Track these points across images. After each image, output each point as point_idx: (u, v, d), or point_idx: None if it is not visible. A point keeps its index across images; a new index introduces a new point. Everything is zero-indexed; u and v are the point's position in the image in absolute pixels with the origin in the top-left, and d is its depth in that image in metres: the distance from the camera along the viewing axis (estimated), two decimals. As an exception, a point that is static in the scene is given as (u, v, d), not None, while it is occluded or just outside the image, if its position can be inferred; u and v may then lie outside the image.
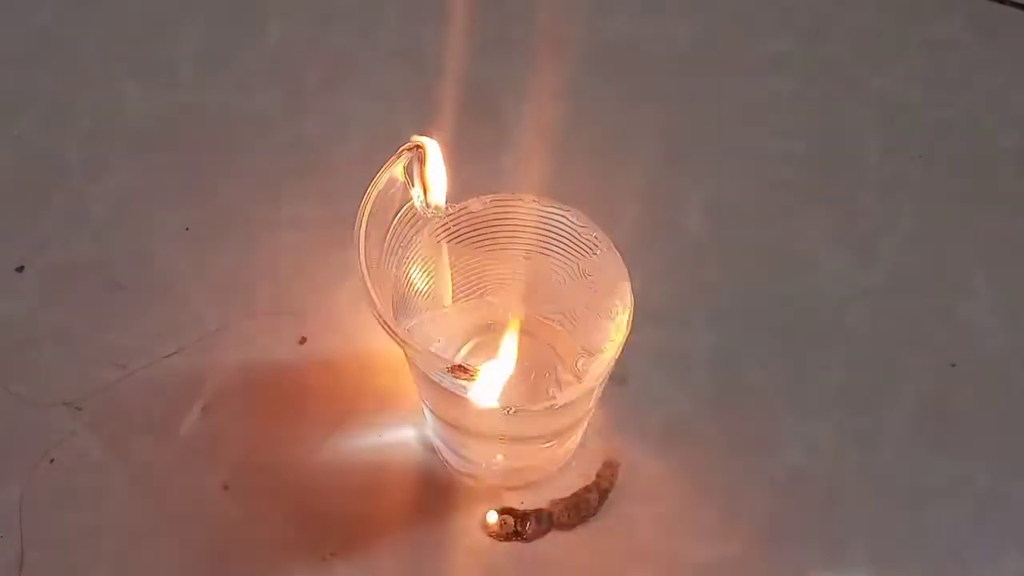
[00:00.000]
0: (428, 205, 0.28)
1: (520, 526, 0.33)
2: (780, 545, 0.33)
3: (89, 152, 0.42)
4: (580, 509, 0.33)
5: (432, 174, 0.27)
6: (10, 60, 0.45)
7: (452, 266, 0.31)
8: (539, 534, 0.33)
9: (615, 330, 0.29)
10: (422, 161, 0.27)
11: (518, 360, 0.34)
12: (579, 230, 0.30)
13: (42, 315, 0.38)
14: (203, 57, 0.45)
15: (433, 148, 0.27)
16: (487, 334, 0.34)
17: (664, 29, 0.46)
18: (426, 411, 0.33)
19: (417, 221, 0.29)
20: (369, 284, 0.25)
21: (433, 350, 0.29)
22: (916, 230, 0.40)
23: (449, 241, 0.30)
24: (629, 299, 0.29)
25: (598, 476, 0.34)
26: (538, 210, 0.30)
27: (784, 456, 0.35)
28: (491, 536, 0.33)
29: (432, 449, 0.35)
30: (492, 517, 0.33)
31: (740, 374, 0.37)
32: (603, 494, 0.34)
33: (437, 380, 0.27)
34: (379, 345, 0.36)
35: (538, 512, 0.33)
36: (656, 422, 0.35)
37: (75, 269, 0.39)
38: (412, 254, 0.29)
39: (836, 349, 0.37)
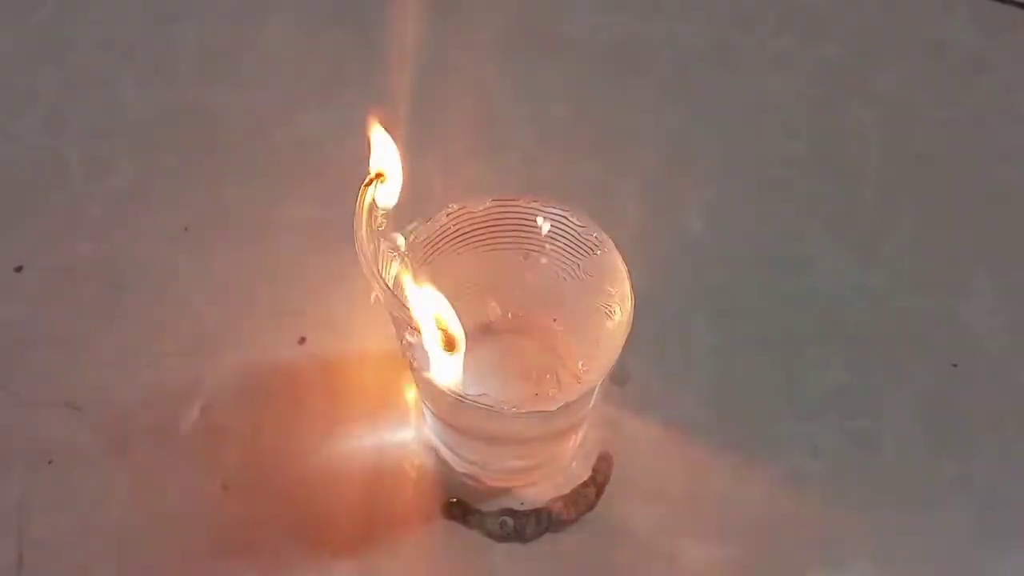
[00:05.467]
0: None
1: (519, 527, 0.33)
2: (780, 545, 0.33)
3: (89, 152, 0.42)
4: (579, 504, 0.33)
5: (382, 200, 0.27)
6: (10, 60, 0.45)
7: (453, 266, 0.31)
8: (538, 534, 0.33)
9: (615, 330, 0.29)
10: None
11: (519, 361, 0.34)
12: (579, 230, 0.30)
13: (42, 315, 0.38)
14: (203, 57, 0.45)
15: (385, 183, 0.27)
16: (488, 334, 0.34)
17: (664, 29, 0.46)
18: (426, 411, 0.33)
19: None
20: (364, 248, 0.26)
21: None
22: (916, 230, 0.40)
23: (428, 251, 0.30)
24: (629, 299, 0.29)
25: (594, 470, 0.34)
26: (538, 210, 0.30)
27: (784, 456, 0.35)
28: (449, 518, 0.33)
29: (432, 449, 0.35)
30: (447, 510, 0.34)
31: (740, 374, 0.37)
32: (600, 488, 0.34)
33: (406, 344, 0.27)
34: (379, 345, 0.36)
35: (537, 512, 0.33)
36: (656, 422, 0.35)
37: (75, 269, 0.39)
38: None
39: (836, 349, 0.37)
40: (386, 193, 0.27)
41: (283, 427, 0.35)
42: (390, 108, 0.43)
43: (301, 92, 0.44)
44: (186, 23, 0.46)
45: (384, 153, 0.27)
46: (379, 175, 0.27)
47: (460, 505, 0.34)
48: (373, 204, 0.27)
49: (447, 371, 0.27)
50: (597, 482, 0.34)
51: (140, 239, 0.40)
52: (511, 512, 0.33)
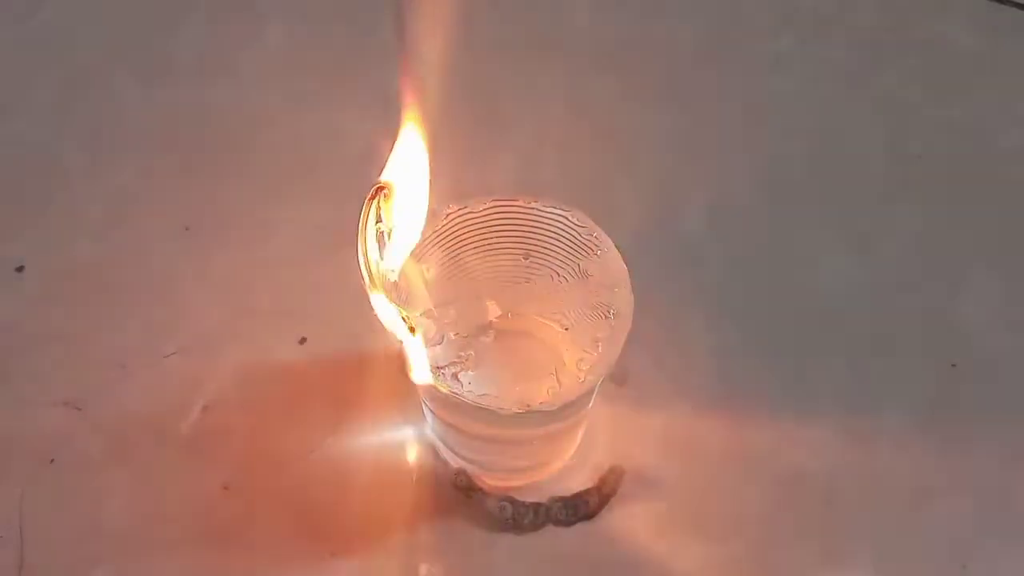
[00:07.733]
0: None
1: (517, 514, 0.33)
2: (780, 545, 0.33)
3: (89, 152, 0.42)
4: (579, 510, 0.33)
5: (396, 218, 0.27)
6: (10, 60, 0.45)
7: (453, 267, 0.31)
8: (534, 527, 0.33)
9: (615, 330, 0.29)
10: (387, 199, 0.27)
11: (519, 361, 0.34)
12: (579, 230, 0.30)
13: (42, 315, 0.38)
14: (203, 57, 0.45)
15: (408, 185, 0.27)
16: (488, 335, 0.34)
17: (664, 29, 0.46)
18: (426, 411, 0.33)
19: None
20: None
21: (434, 350, 0.29)
22: (916, 230, 0.40)
23: (430, 249, 0.30)
24: (629, 299, 0.29)
25: (601, 481, 0.34)
26: (538, 211, 0.30)
27: (784, 456, 0.35)
28: (454, 487, 0.33)
29: (432, 449, 0.35)
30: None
31: (740, 374, 0.37)
32: (604, 499, 0.33)
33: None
34: (379, 345, 0.36)
35: (536, 505, 0.33)
36: (656, 422, 0.35)
37: (75, 269, 0.39)
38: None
39: (836, 349, 0.37)
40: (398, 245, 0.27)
41: (284, 427, 0.35)
42: (389, 107, 0.43)
43: (301, 92, 0.44)
44: (186, 23, 0.46)
45: (407, 168, 0.27)
46: (383, 188, 0.27)
47: (466, 477, 0.33)
48: (377, 215, 0.27)
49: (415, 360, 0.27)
50: (603, 493, 0.33)
51: (140, 239, 0.40)
52: (511, 500, 0.33)
